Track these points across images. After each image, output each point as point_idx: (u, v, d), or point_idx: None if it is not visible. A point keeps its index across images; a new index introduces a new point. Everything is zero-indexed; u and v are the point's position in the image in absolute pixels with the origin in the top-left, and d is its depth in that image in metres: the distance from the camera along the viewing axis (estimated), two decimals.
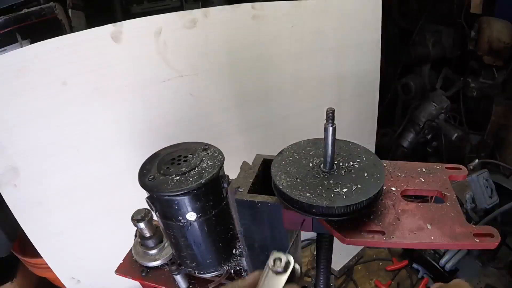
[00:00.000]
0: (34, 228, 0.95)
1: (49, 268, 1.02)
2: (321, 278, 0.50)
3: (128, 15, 1.17)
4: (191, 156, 0.50)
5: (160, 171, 0.48)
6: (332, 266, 0.50)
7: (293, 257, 0.32)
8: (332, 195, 0.35)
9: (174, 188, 0.45)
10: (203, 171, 0.47)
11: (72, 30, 1.01)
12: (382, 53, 1.26)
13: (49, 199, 0.93)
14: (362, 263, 1.26)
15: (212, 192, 0.48)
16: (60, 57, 0.82)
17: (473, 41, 1.49)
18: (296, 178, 0.38)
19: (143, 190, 0.48)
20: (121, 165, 0.96)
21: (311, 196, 0.35)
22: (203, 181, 0.45)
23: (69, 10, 1.04)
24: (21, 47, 0.84)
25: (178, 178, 0.46)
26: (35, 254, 1.01)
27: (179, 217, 0.48)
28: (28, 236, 0.95)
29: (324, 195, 0.35)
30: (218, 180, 0.49)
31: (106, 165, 0.96)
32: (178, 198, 0.46)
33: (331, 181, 0.37)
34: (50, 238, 0.97)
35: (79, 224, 0.99)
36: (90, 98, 0.88)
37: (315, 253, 0.51)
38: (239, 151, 1.08)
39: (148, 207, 0.50)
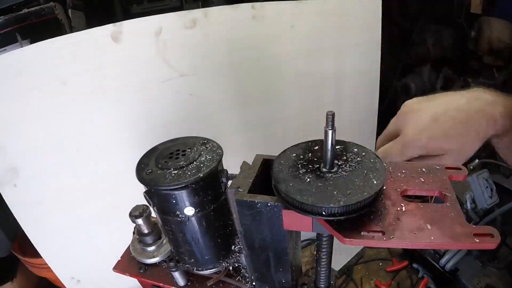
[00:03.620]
0: (34, 228, 0.95)
1: (49, 268, 1.02)
2: (322, 277, 0.50)
3: (128, 15, 1.17)
4: (189, 150, 0.50)
5: (158, 165, 0.47)
6: (332, 266, 0.50)
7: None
8: (331, 195, 0.35)
9: (172, 182, 0.44)
10: (202, 165, 0.47)
11: (72, 30, 1.01)
12: (382, 53, 1.26)
13: (49, 199, 0.93)
14: (362, 263, 1.26)
15: (210, 187, 0.48)
16: (60, 57, 0.82)
17: (473, 41, 1.49)
18: (294, 175, 0.38)
19: (143, 188, 0.48)
20: (121, 165, 0.96)
21: (308, 196, 0.35)
22: (201, 175, 0.45)
23: (69, 10, 1.04)
24: (21, 47, 0.84)
25: (176, 172, 0.46)
26: (35, 254, 1.00)
27: (177, 212, 0.47)
28: (28, 236, 0.95)
29: (322, 195, 0.35)
30: (216, 174, 0.48)
31: (106, 165, 0.96)
32: (176, 192, 0.45)
33: (330, 182, 0.37)
34: (50, 238, 0.97)
35: (79, 224, 0.99)
36: (90, 98, 0.88)
37: (315, 253, 0.51)
38: (239, 151, 1.08)
39: (146, 203, 0.50)
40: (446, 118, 0.49)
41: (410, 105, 0.55)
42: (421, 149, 0.51)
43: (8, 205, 0.89)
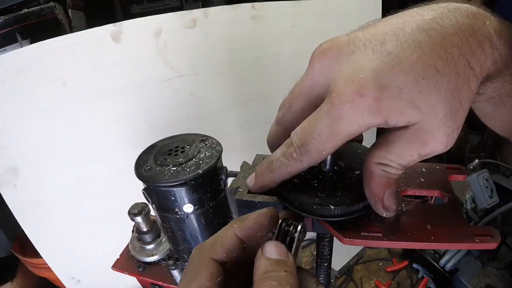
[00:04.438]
0: (34, 228, 0.95)
1: (49, 268, 1.02)
2: (322, 277, 0.50)
3: (128, 15, 1.17)
4: (188, 147, 0.49)
5: (157, 162, 0.47)
6: (332, 266, 0.50)
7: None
8: (331, 196, 0.35)
9: (171, 179, 0.44)
10: (201, 161, 0.46)
11: (72, 30, 1.01)
12: None
13: (49, 199, 0.93)
14: (362, 263, 1.26)
15: (209, 184, 0.47)
16: (60, 57, 0.82)
17: None
18: (295, 178, 0.38)
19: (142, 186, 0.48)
20: (121, 165, 0.96)
21: (308, 196, 0.35)
22: (200, 172, 0.45)
23: (69, 10, 1.03)
24: (21, 47, 0.84)
25: (175, 168, 0.46)
26: (35, 254, 1.00)
27: (176, 209, 0.47)
28: (28, 236, 0.95)
29: (323, 195, 0.35)
30: (215, 171, 0.48)
31: (106, 165, 0.96)
32: (174, 189, 0.45)
33: (330, 182, 0.37)
34: (50, 238, 0.97)
35: (79, 224, 0.99)
36: (90, 98, 0.88)
37: (315, 253, 0.51)
38: (239, 151, 1.08)
39: (145, 201, 0.50)
40: (406, 46, 0.26)
41: (333, 40, 0.32)
42: (371, 114, 0.28)
43: (8, 205, 0.89)
